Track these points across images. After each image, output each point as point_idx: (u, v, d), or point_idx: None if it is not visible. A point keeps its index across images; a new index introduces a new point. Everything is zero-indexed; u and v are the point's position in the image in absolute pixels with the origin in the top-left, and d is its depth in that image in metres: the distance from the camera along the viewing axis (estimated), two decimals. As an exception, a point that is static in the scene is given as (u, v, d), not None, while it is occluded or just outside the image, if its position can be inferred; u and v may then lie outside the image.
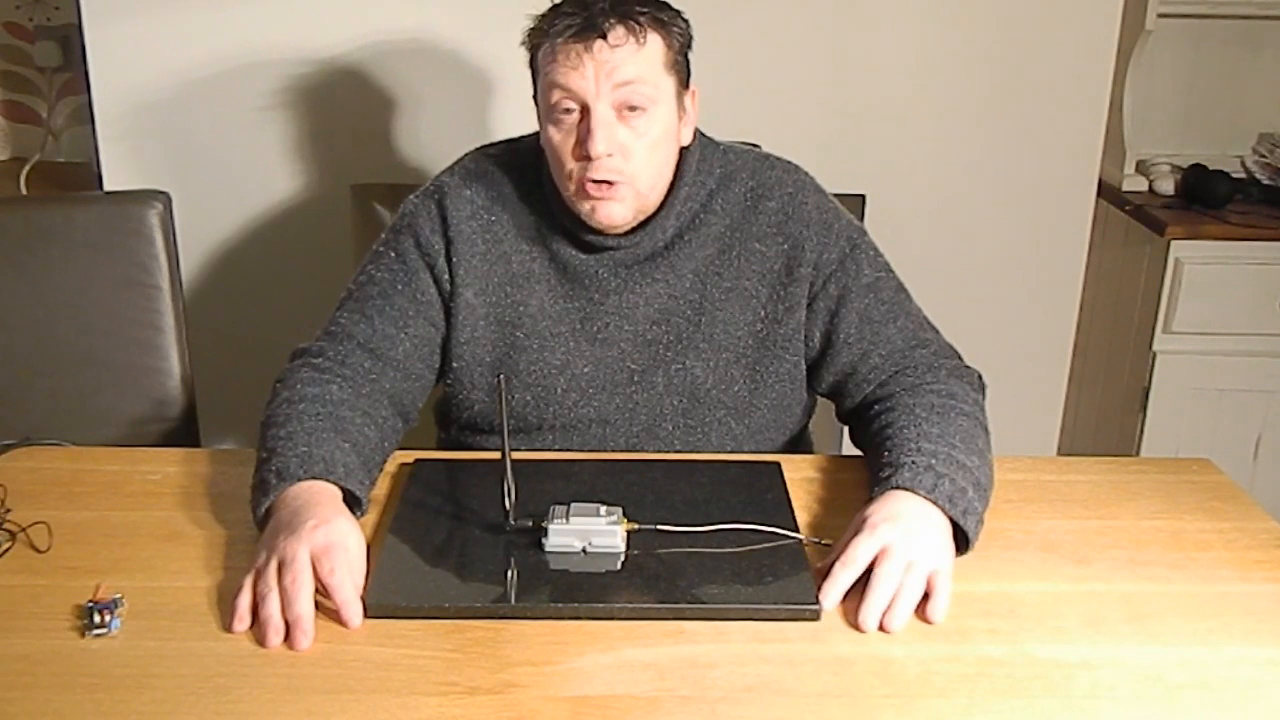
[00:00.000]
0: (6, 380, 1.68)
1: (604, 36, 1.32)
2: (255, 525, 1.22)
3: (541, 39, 1.36)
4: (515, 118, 2.23)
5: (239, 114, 2.25)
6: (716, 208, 1.46)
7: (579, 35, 1.33)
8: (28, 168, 2.57)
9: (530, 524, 1.21)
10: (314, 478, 1.22)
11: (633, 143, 1.36)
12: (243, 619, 1.09)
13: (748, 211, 1.46)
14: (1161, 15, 2.36)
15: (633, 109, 1.34)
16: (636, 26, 1.33)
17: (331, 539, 1.13)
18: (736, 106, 2.16)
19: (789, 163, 1.51)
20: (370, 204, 2.32)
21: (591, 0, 1.33)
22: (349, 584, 1.11)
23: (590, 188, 1.36)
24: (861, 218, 1.87)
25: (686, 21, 1.41)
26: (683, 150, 1.44)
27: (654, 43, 1.35)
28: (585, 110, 1.34)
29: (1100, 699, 1.02)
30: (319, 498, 1.19)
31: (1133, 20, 2.36)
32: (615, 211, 1.38)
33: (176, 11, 2.18)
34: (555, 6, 1.36)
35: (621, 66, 1.33)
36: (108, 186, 2.25)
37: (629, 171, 1.36)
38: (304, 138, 2.28)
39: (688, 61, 1.42)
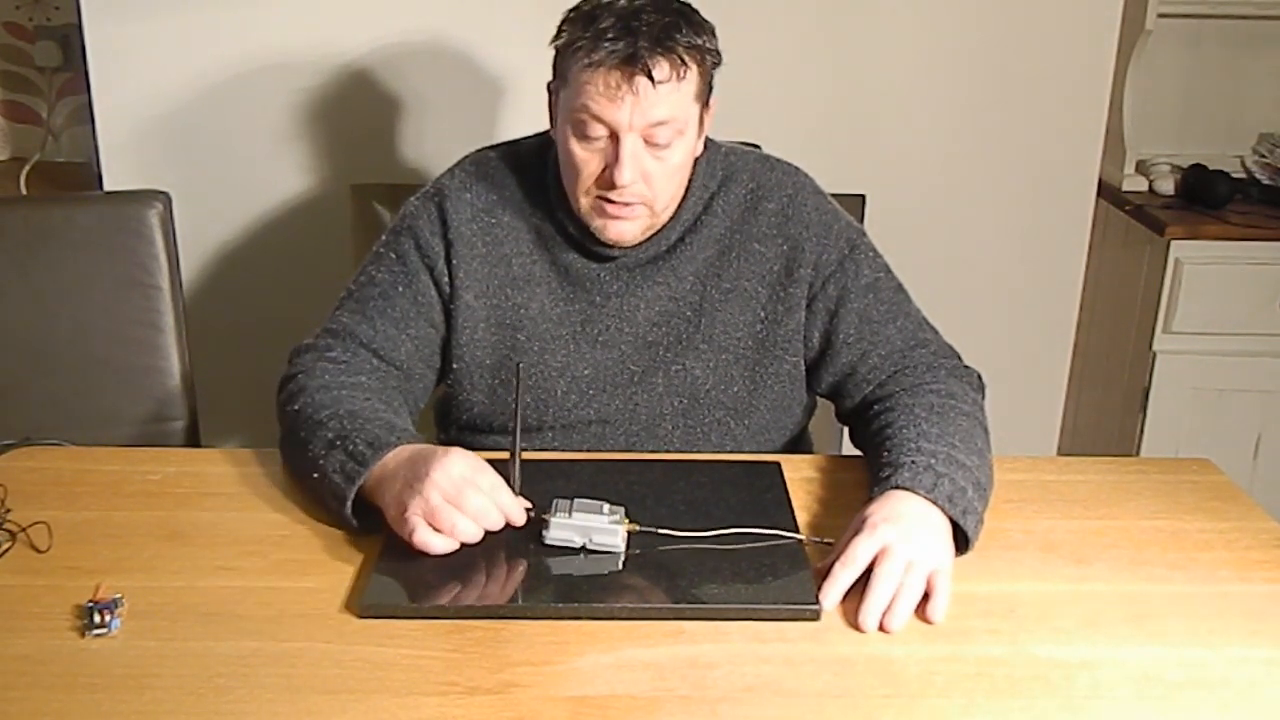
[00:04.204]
0: (6, 380, 1.68)
1: (649, 74, 1.29)
2: (336, 504, 1.23)
3: (578, 54, 1.31)
4: (517, 119, 2.23)
5: (239, 114, 2.25)
6: (717, 209, 1.46)
7: (621, 65, 1.29)
8: (28, 168, 2.57)
9: (531, 514, 1.21)
10: (406, 442, 1.25)
11: (655, 169, 1.35)
12: (435, 544, 1.16)
13: (747, 213, 1.46)
14: (1161, 15, 2.36)
15: (658, 142, 1.33)
16: (679, 61, 1.31)
17: (470, 460, 1.20)
18: (736, 106, 2.15)
19: (788, 164, 1.51)
20: (370, 204, 2.33)
21: (637, 25, 1.28)
22: (506, 492, 1.20)
23: (607, 206, 1.36)
24: (861, 218, 1.88)
25: (715, 35, 1.38)
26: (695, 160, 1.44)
27: (692, 75, 1.33)
28: (614, 136, 1.33)
29: (1100, 699, 1.02)
30: (425, 449, 1.23)
31: (1133, 20, 2.36)
32: (627, 230, 1.39)
33: (177, 12, 2.19)
34: (594, 18, 1.31)
35: (659, 105, 1.30)
36: (108, 186, 2.25)
37: (648, 195, 1.36)
38: (304, 138, 2.28)
39: (712, 79, 1.40)
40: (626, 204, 1.36)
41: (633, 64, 1.28)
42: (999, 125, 2.36)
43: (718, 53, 1.38)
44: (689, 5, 1.37)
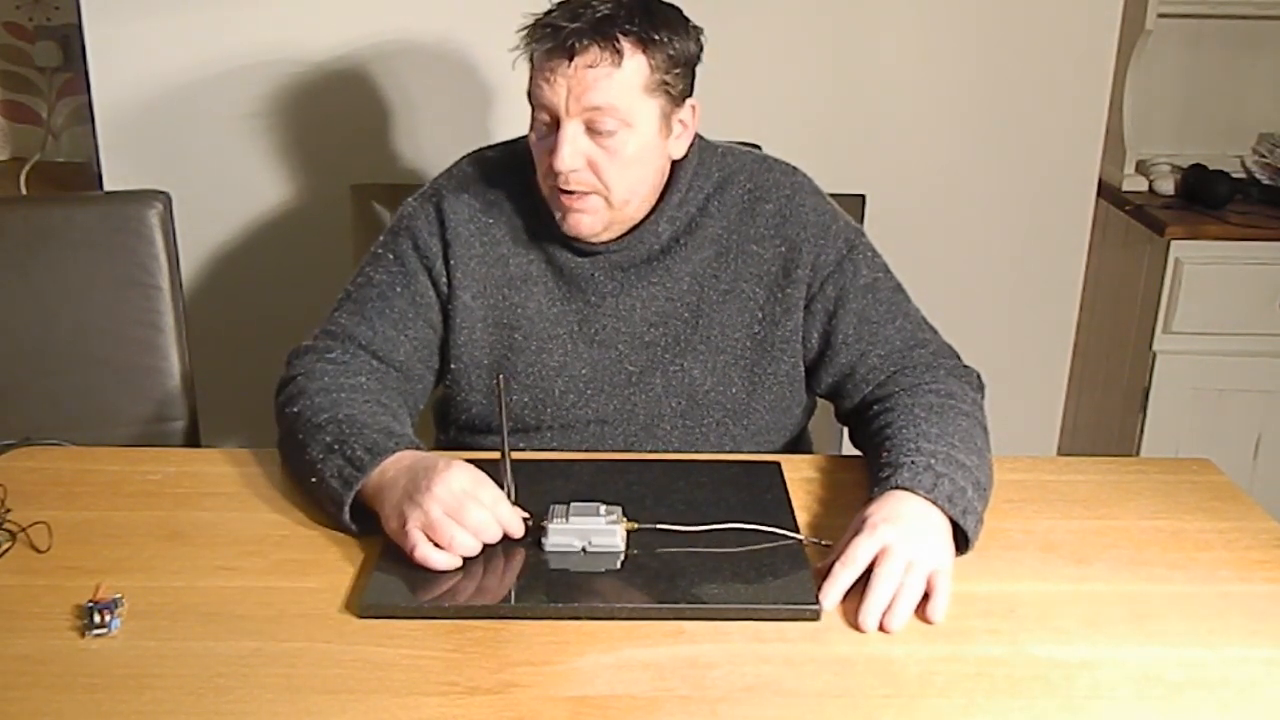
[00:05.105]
0: (6, 380, 1.68)
1: (572, 58, 1.30)
2: (334, 508, 1.22)
3: (528, 43, 1.35)
4: (514, 119, 2.21)
5: (239, 114, 2.25)
6: (713, 210, 1.46)
7: (550, 54, 1.31)
8: (28, 168, 2.57)
9: (530, 523, 1.21)
10: (405, 448, 1.25)
11: (602, 158, 1.35)
12: (436, 559, 1.16)
13: (745, 214, 1.46)
14: (1161, 15, 2.36)
15: (601, 130, 1.33)
16: (614, 48, 1.30)
17: (471, 473, 1.19)
18: (736, 106, 2.16)
19: (787, 164, 1.51)
20: (370, 204, 2.33)
21: (582, 12, 1.31)
22: (506, 505, 1.19)
23: (561, 197, 1.37)
24: (861, 218, 1.88)
25: (691, 34, 1.37)
26: (680, 159, 1.43)
27: (633, 65, 1.32)
28: (557, 122, 1.34)
29: (1100, 699, 1.02)
30: (426, 459, 1.22)
31: (1133, 20, 2.36)
32: (584, 222, 1.38)
33: (176, 12, 2.19)
34: (550, 11, 1.34)
35: (591, 90, 1.31)
36: (108, 186, 2.25)
37: (598, 184, 1.36)
38: (303, 138, 2.28)
39: (689, 76, 1.39)
40: (577, 193, 1.36)
41: (562, 48, 1.30)
42: (999, 125, 2.36)
43: (683, 48, 1.36)
44: (659, 0, 1.36)
